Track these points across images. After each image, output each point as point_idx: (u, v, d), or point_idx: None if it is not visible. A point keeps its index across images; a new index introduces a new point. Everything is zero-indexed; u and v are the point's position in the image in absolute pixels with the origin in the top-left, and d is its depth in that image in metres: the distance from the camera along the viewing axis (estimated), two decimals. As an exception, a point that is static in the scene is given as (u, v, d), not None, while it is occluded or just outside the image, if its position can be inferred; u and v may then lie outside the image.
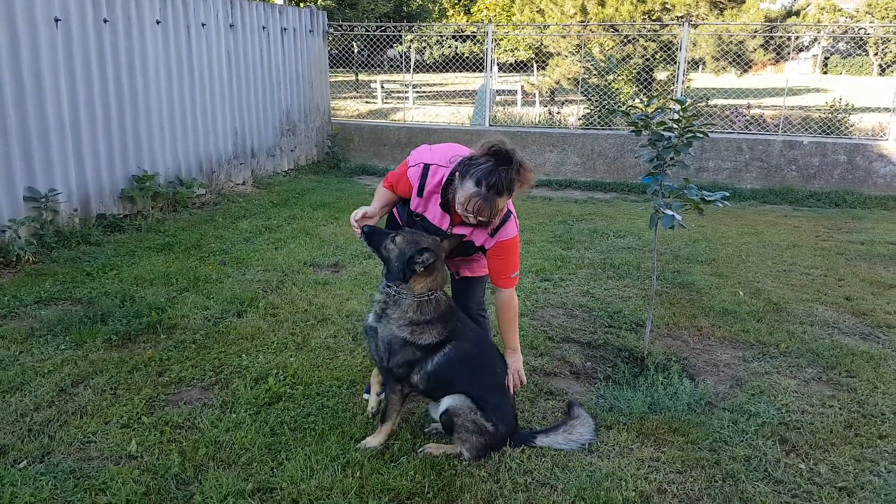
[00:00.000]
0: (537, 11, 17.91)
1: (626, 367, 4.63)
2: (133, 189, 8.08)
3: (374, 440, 3.64)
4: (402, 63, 30.62)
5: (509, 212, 3.54)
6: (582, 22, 16.18)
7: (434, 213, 3.61)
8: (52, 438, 3.64)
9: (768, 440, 3.76)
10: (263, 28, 10.87)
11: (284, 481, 3.29)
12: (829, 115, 12.80)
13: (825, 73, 51.94)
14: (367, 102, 22.71)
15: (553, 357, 4.83)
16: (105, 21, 7.66)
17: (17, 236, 6.44)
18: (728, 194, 4.38)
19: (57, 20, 7.05)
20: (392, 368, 3.56)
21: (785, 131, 12.08)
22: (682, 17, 14.30)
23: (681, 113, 4.28)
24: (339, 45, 14.61)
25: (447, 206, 3.54)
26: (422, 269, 3.42)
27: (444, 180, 3.49)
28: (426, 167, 3.57)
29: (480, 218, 3.28)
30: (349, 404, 4.07)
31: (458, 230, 3.57)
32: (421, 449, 3.61)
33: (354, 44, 19.69)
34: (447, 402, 3.54)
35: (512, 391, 3.72)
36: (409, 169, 3.62)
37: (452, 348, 3.52)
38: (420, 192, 3.60)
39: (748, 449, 3.67)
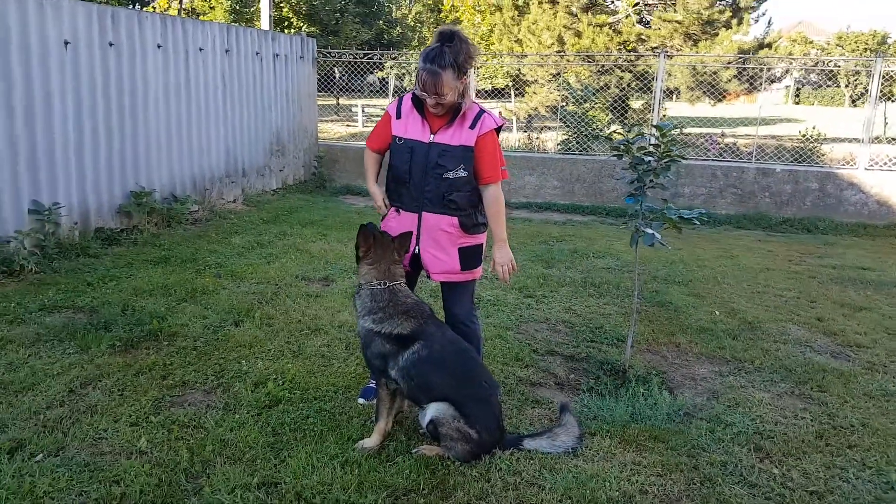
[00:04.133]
0: (515, 41, 18.35)
1: (608, 380, 4.85)
2: (130, 204, 8.28)
3: (369, 442, 3.84)
4: (381, 88, 30.90)
5: (482, 110, 3.92)
6: (559, 52, 16.60)
7: (415, 127, 3.96)
8: (66, 434, 3.80)
9: (743, 448, 3.99)
10: (257, 54, 11.16)
11: (288, 476, 3.47)
12: (802, 145, 13.25)
13: (797, 103, 52.99)
14: (347, 125, 23.02)
15: (538, 368, 5.06)
16: (111, 44, 7.94)
17: (22, 247, 6.63)
18: (704, 211, 4.67)
19: (66, 43, 7.33)
20: (370, 359, 3.89)
21: (758, 159, 12.50)
22: (657, 49, 14.74)
23: (660, 139, 4.58)
24: (322, 69, 14.91)
25: (420, 107, 3.93)
26: (360, 251, 3.88)
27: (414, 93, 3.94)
28: (401, 98, 4.08)
29: (432, 93, 3.72)
30: (345, 408, 4.26)
31: (439, 137, 3.89)
32: (416, 450, 3.80)
33: (336, 69, 19.99)
34: (431, 411, 3.72)
35: (506, 279, 4.01)
36: (388, 111, 4.11)
37: (422, 348, 3.74)
38: (398, 115, 4.02)
39: (725, 455, 3.90)
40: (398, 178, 4.04)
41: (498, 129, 3.97)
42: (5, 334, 5.14)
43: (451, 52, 3.69)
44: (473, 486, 3.50)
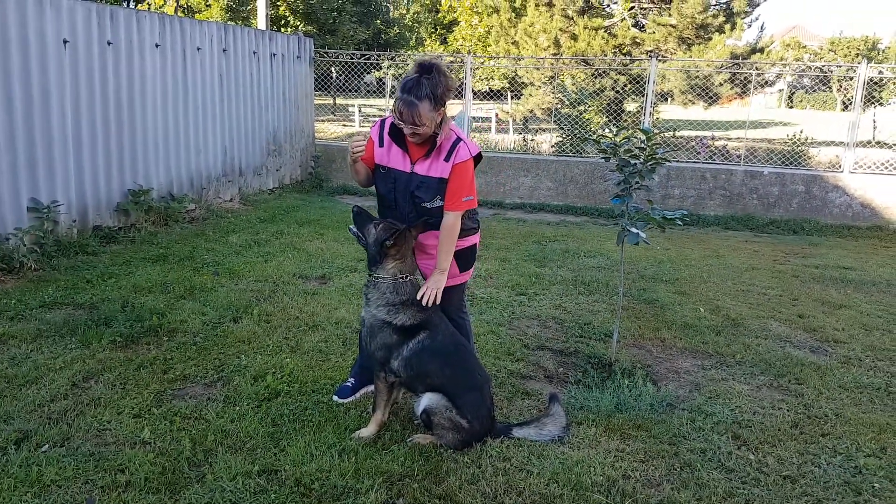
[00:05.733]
0: (512, 43, 18.50)
1: (595, 373, 5.03)
2: (128, 203, 8.43)
3: (366, 431, 4.00)
4: (378, 88, 30.98)
5: (459, 139, 3.93)
6: (555, 55, 16.77)
7: (396, 157, 4.02)
8: (70, 426, 3.93)
9: (722, 436, 4.18)
10: (254, 53, 11.31)
11: (287, 464, 3.63)
12: (790, 148, 13.47)
13: (791, 107, 53.26)
14: (344, 125, 23.12)
15: (528, 362, 5.24)
16: (109, 43, 8.08)
17: (22, 244, 6.74)
18: (686, 211, 4.85)
19: (65, 41, 7.47)
20: (374, 352, 3.99)
21: (747, 161, 12.70)
22: (650, 52, 14.94)
23: (645, 142, 4.76)
24: (319, 69, 15.03)
25: (399, 138, 3.98)
26: (393, 249, 3.89)
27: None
28: (382, 121, 4.12)
29: (409, 122, 3.75)
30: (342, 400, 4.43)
31: (418, 168, 3.97)
32: (410, 439, 3.97)
33: (333, 68, 20.12)
34: (425, 401, 3.90)
35: (424, 301, 3.95)
36: (371, 135, 4.10)
37: (427, 337, 3.91)
38: (381, 143, 4.06)
39: (704, 443, 4.09)
40: (384, 203, 4.20)
41: (478, 157, 4.05)
42: (7, 330, 5.28)
43: (428, 83, 3.74)
44: (465, 471, 3.67)
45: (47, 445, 3.73)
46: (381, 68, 16.77)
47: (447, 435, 3.87)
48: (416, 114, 3.73)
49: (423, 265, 4.22)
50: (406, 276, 3.97)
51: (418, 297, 3.97)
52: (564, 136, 14.38)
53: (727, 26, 16.19)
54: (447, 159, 3.92)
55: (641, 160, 4.81)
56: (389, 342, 3.93)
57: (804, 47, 56.23)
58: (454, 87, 3.88)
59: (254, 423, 4.05)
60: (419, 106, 3.72)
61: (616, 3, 17.75)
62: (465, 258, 4.25)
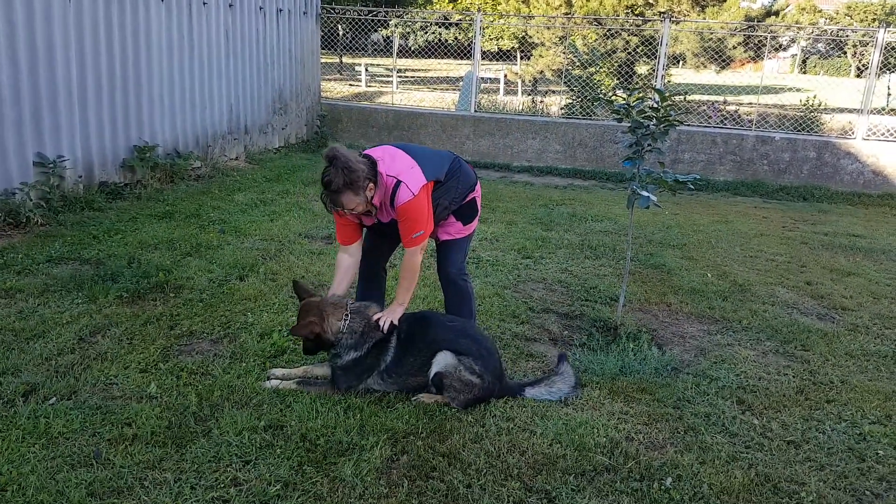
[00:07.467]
0: (522, 1, 18.27)
1: (600, 336, 5.02)
2: (134, 159, 8.38)
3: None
4: (385, 47, 30.60)
5: (399, 181, 3.92)
6: (567, 14, 16.55)
7: (363, 219, 4.18)
8: (78, 379, 3.96)
9: (727, 400, 4.18)
10: (260, 9, 11.17)
11: (293, 420, 3.65)
12: (802, 114, 13.32)
13: (804, 72, 52.62)
14: (350, 85, 22.93)
15: (533, 325, 5.23)
16: (114, -5, 7.95)
17: (28, 199, 6.73)
18: (699, 176, 4.80)
19: (69, -7, 7.34)
20: (350, 385, 4.04)
21: (759, 127, 12.57)
22: (663, 13, 14.72)
23: (659, 103, 4.69)
24: (325, 26, 14.85)
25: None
26: (321, 332, 3.95)
27: None
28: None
29: (345, 209, 3.89)
30: (348, 359, 4.44)
31: (381, 218, 4.12)
32: (415, 397, 3.98)
33: (339, 26, 19.85)
34: (437, 363, 3.91)
35: (381, 324, 4.01)
36: (336, 216, 4.16)
37: (398, 334, 4.03)
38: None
39: (708, 407, 4.09)
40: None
41: (436, 182, 4.08)
42: (14, 284, 5.29)
43: (341, 174, 3.76)
44: (469, 430, 3.69)
45: (55, 398, 3.75)
46: (388, 26, 16.59)
47: (459, 396, 3.89)
48: (343, 204, 3.85)
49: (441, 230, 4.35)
50: (346, 314, 4.00)
51: (375, 320, 4.03)
52: (574, 97, 14.24)
53: (742, -12, 15.93)
54: (392, 205, 3.96)
55: (654, 122, 4.74)
56: (372, 363, 4.00)
57: (820, 11, 55.34)
58: (359, 165, 3.82)
59: (260, 380, 4.07)
60: (342, 199, 3.83)
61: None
62: (468, 212, 4.33)
